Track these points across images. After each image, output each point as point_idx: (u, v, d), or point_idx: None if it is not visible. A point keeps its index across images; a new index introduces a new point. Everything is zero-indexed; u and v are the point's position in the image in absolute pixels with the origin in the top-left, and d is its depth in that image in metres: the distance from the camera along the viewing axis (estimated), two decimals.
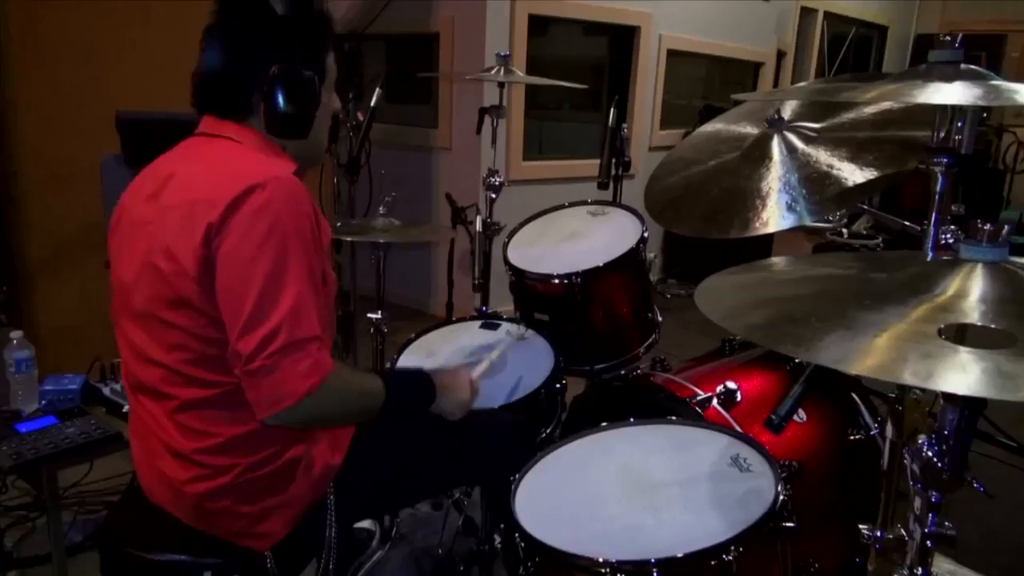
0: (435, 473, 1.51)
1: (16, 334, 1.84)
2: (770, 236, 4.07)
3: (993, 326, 0.74)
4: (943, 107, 1.15)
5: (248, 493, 1.24)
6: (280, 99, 1.24)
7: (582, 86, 2.56)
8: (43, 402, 1.85)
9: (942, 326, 0.74)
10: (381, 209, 2.18)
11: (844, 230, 4.56)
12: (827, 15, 6.83)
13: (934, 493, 0.87)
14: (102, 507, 2.25)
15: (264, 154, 1.25)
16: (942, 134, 1.15)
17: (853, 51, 7.53)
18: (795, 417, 1.64)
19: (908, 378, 0.68)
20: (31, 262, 2.74)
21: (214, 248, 1.12)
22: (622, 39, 4.77)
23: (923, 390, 0.96)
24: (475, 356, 1.93)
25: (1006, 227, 0.81)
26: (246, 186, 1.13)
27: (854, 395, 1.74)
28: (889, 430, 1.09)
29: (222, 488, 1.22)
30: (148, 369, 1.23)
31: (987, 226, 0.83)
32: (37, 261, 2.74)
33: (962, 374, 0.67)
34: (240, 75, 1.25)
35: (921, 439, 0.85)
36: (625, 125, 2.30)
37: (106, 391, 1.90)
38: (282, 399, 1.11)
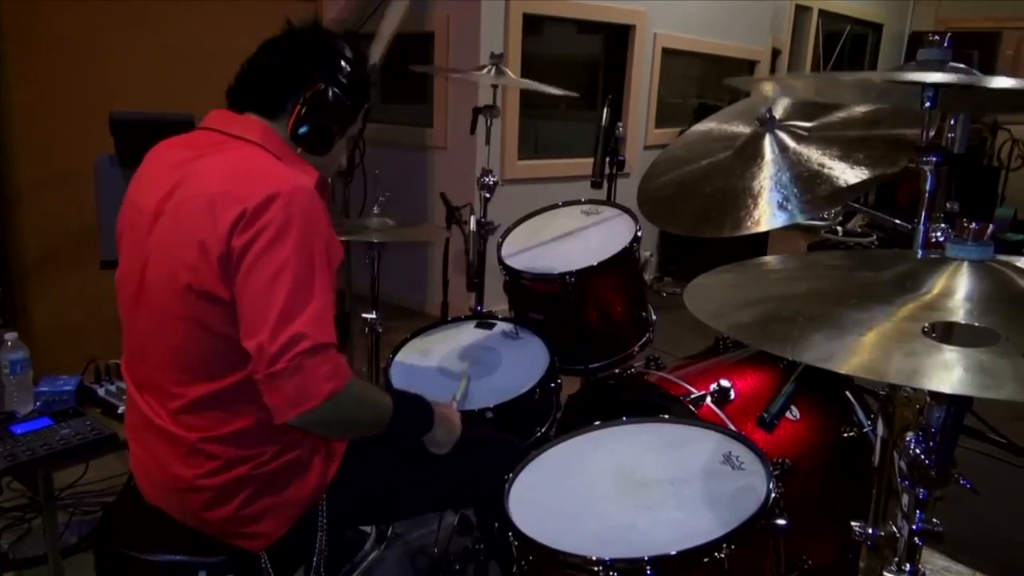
0: (426, 491, 1.51)
1: (11, 335, 1.84)
2: (765, 234, 4.08)
3: (977, 324, 0.74)
4: (933, 107, 1.16)
5: (247, 492, 1.25)
6: (316, 110, 1.29)
7: (573, 94, 2.54)
8: (38, 403, 1.85)
9: (926, 324, 0.75)
10: (375, 209, 2.18)
11: (839, 228, 4.59)
12: (822, 13, 6.84)
13: (922, 489, 0.88)
14: (98, 508, 2.25)
15: (287, 162, 1.27)
16: (931, 133, 1.16)
17: (848, 49, 7.54)
18: (789, 415, 1.65)
19: (893, 376, 0.69)
20: (26, 263, 2.73)
21: (236, 246, 1.13)
22: (617, 38, 4.77)
23: (914, 388, 0.97)
24: (470, 356, 1.93)
25: (990, 226, 0.82)
26: (272, 190, 1.15)
27: (848, 393, 1.75)
28: (880, 427, 1.10)
29: (224, 484, 1.23)
30: (155, 366, 1.24)
31: (973, 225, 0.83)
32: (32, 262, 2.74)
33: (945, 372, 0.68)
34: (287, 75, 1.30)
35: (908, 436, 0.86)
36: (620, 124, 2.30)
37: (101, 392, 1.90)
38: (306, 400, 1.13)
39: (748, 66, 5.86)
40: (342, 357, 1.18)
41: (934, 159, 1.10)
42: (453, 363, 1.92)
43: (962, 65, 1.12)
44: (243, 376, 1.20)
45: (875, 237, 4.45)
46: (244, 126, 1.28)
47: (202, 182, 1.20)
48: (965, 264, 0.85)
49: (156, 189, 1.24)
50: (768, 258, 1.15)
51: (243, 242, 1.13)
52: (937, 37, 1.09)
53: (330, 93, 1.29)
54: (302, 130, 1.29)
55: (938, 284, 0.83)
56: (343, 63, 1.33)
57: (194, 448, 1.23)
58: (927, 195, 1.12)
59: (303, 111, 1.28)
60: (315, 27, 1.35)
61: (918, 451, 0.84)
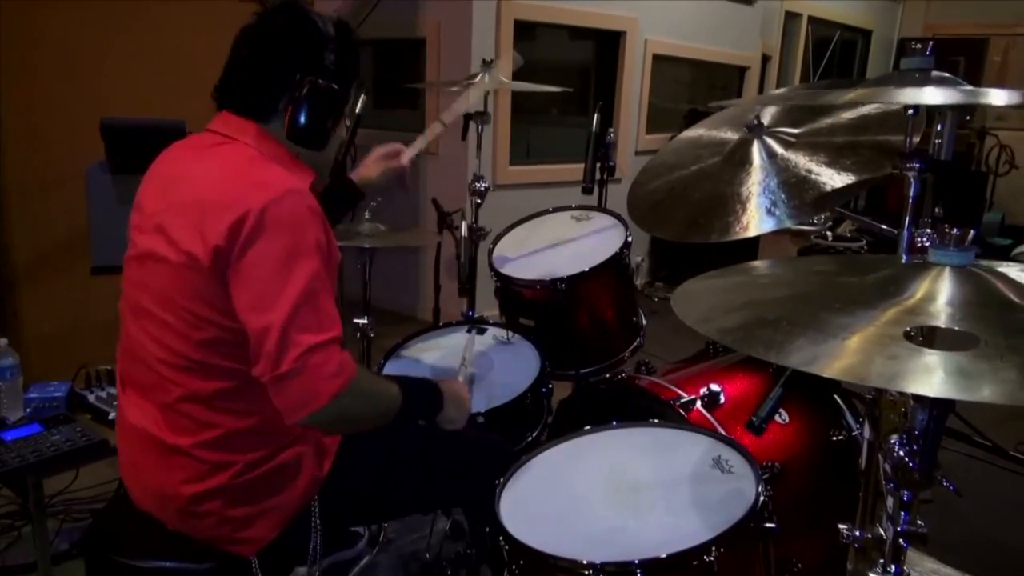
0: (418, 491, 1.51)
1: (0, 341, 1.83)
2: (756, 240, 4.10)
3: (958, 328, 0.76)
4: (918, 112, 1.17)
5: (237, 496, 1.25)
6: (309, 108, 1.26)
7: (561, 88, 2.58)
8: (28, 410, 1.84)
9: (909, 328, 0.76)
10: (367, 214, 2.18)
11: (829, 233, 4.61)
12: (811, 19, 6.89)
13: (906, 491, 0.89)
14: (88, 515, 2.24)
15: (281, 164, 1.26)
16: (916, 139, 1.17)
17: (838, 55, 7.60)
18: (778, 419, 1.66)
19: (874, 380, 0.70)
20: (16, 269, 2.73)
21: (233, 254, 1.13)
22: (608, 44, 4.80)
23: (901, 392, 0.97)
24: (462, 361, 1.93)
25: (972, 232, 0.83)
26: (264, 195, 1.14)
27: (836, 397, 1.76)
28: (867, 431, 1.11)
29: (214, 490, 1.23)
30: (145, 369, 1.24)
31: (955, 231, 0.85)
32: (22, 268, 2.73)
33: (926, 375, 0.69)
34: (272, 76, 1.26)
35: (893, 439, 0.87)
36: (612, 130, 2.31)
37: (92, 398, 1.90)
38: (314, 400, 1.14)
39: (738, 72, 5.89)
40: (347, 353, 1.19)
41: (917, 165, 1.11)
42: (446, 368, 1.92)
43: (947, 74, 1.13)
44: (231, 382, 1.20)
45: (865, 242, 4.48)
46: (241, 128, 1.27)
47: (195, 186, 1.21)
48: (947, 269, 0.86)
49: (155, 191, 1.26)
50: (755, 263, 1.16)
51: (239, 246, 1.13)
52: (920, 45, 1.11)
53: (319, 86, 1.26)
54: (298, 130, 1.27)
55: (920, 289, 0.84)
56: (326, 48, 1.28)
57: (181, 452, 1.23)
58: (911, 200, 1.13)
59: (295, 112, 1.26)
60: (289, 8, 1.29)
61: (902, 453, 0.85)
